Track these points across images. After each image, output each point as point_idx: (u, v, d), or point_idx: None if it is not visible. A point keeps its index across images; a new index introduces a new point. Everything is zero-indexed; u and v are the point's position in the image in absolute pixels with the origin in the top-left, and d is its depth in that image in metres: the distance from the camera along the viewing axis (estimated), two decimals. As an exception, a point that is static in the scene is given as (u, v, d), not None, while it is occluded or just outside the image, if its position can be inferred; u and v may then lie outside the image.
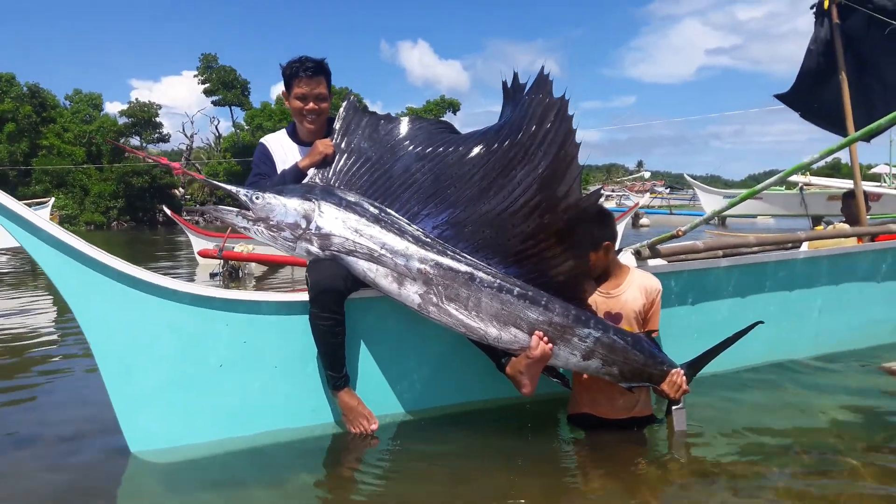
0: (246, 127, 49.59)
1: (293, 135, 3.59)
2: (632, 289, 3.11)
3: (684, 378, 3.03)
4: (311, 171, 3.23)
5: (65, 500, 2.66)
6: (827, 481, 2.62)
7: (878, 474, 2.68)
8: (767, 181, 3.67)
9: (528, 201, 2.90)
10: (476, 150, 3.02)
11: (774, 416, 3.41)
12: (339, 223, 3.00)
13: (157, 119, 44.46)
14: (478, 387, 3.42)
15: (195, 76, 47.27)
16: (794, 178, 22.67)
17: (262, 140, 3.67)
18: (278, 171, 3.43)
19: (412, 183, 3.09)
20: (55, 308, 7.77)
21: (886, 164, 14.91)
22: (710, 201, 22.16)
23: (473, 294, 2.93)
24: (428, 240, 3.00)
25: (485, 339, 2.95)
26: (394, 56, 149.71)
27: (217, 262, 13.14)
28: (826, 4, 5.42)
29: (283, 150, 3.55)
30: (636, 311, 3.08)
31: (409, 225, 3.05)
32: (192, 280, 11.50)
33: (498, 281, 2.93)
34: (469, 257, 2.98)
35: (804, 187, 19.35)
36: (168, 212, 17.15)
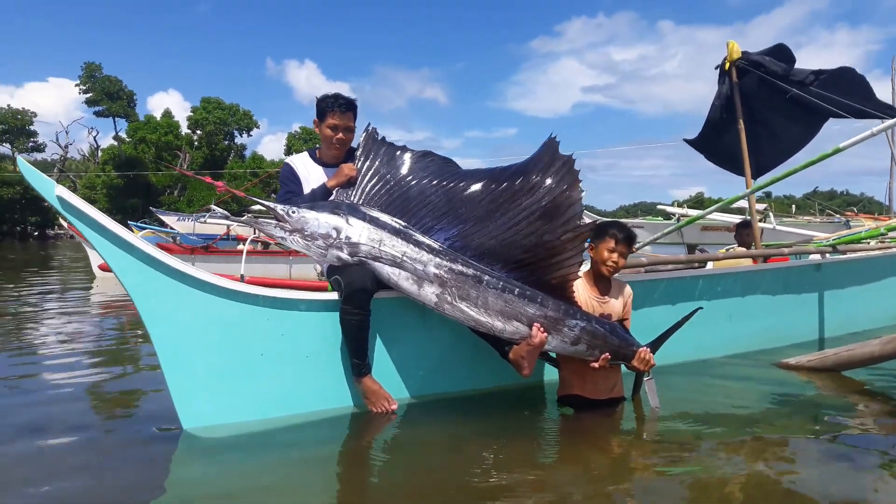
0: (128, 140, 47.67)
1: (315, 157, 4.08)
2: (616, 294, 3.83)
3: (651, 354, 3.74)
4: (337, 191, 3.74)
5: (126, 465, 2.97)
6: (741, 439, 3.41)
7: (772, 432, 3.52)
8: (715, 206, 4.51)
9: (530, 223, 3.52)
10: (485, 181, 3.63)
11: (701, 399, 4.19)
12: (365, 234, 3.51)
13: (32, 127, 42.11)
14: (480, 375, 4.04)
15: (76, 85, 45.16)
16: (671, 210, 24.82)
17: (287, 160, 4.14)
18: (303, 188, 3.92)
19: (426, 203, 3.65)
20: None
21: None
22: (597, 229, 23.95)
23: (482, 294, 3.51)
24: (441, 249, 3.56)
25: (492, 331, 3.54)
26: (280, 74, 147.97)
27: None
28: (727, 66, 6.46)
29: (306, 169, 4.03)
30: (618, 312, 3.81)
31: (424, 236, 3.59)
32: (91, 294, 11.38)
33: (501, 282, 3.53)
34: (476, 263, 3.57)
35: (680, 218, 21.15)
36: (66, 224, 16.60)
